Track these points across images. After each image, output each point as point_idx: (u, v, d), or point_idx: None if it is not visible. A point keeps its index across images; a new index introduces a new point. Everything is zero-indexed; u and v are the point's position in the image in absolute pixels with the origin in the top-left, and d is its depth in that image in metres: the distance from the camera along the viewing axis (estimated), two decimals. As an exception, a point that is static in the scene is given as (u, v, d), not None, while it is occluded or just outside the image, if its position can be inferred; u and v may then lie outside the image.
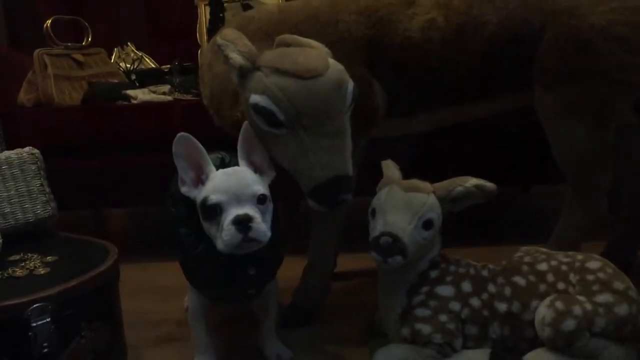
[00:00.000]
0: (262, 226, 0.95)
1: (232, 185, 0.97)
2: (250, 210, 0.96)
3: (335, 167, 0.99)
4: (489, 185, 1.02)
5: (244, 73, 1.03)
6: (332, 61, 1.04)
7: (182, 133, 1.02)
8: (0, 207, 1.30)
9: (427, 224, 1.02)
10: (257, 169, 1.03)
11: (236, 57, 1.02)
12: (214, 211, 0.97)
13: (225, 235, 0.95)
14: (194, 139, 1.03)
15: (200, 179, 1.02)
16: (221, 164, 1.06)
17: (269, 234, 0.97)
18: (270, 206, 1.00)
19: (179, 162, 1.02)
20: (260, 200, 0.97)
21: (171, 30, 2.45)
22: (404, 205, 1.01)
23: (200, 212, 1.00)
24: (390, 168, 1.11)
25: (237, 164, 1.05)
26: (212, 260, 1.03)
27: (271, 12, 1.26)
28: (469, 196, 1.03)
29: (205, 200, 0.98)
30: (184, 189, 1.03)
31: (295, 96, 0.98)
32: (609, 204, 1.29)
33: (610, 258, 1.06)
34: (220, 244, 0.96)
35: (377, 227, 1.01)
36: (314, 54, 1.04)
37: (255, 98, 1.01)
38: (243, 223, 0.94)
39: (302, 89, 0.98)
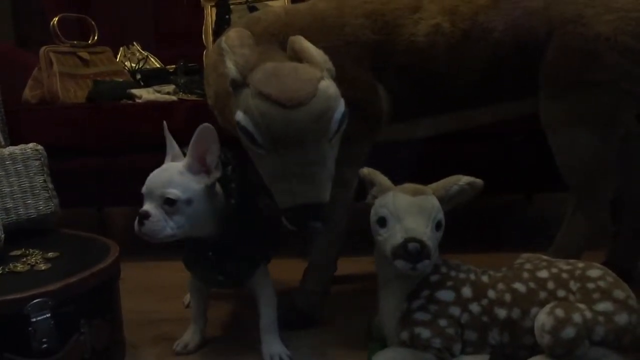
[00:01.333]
0: (156, 225, 1.04)
1: (151, 181, 1.07)
2: (152, 208, 1.05)
3: (304, 196, 1.02)
4: (478, 181, 1.06)
5: (235, 85, 1.05)
6: (323, 86, 1.03)
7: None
8: (2, 203, 1.31)
9: (438, 225, 1.03)
10: (204, 168, 1.08)
11: (230, 68, 1.04)
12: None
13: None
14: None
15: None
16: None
17: (167, 232, 1.05)
18: (187, 208, 1.06)
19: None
20: (168, 202, 1.05)
21: (177, 31, 2.46)
22: (418, 209, 1.01)
23: None
24: (378, 175, 1.10)
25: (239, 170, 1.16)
26: (185, 241, 1.15)
27: (277, 14, 1.27)
28: (461, 195, 1.05)
29: None
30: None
31: (272, 123, 1.00)
32: (611, 214, 1.29)
33: (611, 267, 1.06)
34: None
35: (398, 234, 1.00)
36: (306, 76, 1.03)
37: (239, 115, 1.03)
38: (140, 217, 1.05)
39: (281, 118, 0.99)
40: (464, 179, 1.05)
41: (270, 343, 1.19)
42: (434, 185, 1.06)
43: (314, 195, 1.03)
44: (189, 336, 1.25)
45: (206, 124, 1.06)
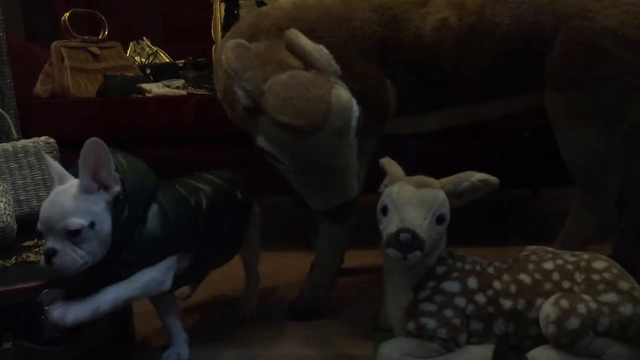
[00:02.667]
0: (65, 259, 0.98)
1: (46, 215, 0.99)
2: (55, 243, 0.98)
3: (341, 196, 1.06)
4: (493, 179, 1.04)
5: (249, 111, 1.05)
6: (335, 98, 1.03)
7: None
8: (15, 195, 1.33)
9: (440, 219, 1.03)
10: (101, 185, 1.01)
11: (241, 95, 1.03)
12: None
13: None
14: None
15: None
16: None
17: (79, 263, 0.98)
18: (93, 232, 0.99)
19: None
20: (72, 233, 0.97)
21: (186, 26, 2.48)
22: (418, 201, 1.02)
23: None
24: (392, 165, 1.11)
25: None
26: None
27: (285, 8, 1.27)
28: (474, 191, 1.04)
29: None
30: None
31: (296, 150, 1.02)
32: (617, 209, 1.30)
33: (617, 262, 1.06)
34: None
35: (393, 223, 1.01)
36: (317, 93, 1.02)
37: (261, 141, 1.05)
38: (46, 256, 0.99)
39: (301, 145, 1.01)
40: (477, 176, 1.04)
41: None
42: (445, 179, 1.06)
43: (345, 195, 1.06)
44: (180, 345, 1.19)
45: (93, 139, 0.98)
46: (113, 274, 1.06)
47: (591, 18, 1.17)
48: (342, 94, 1.04)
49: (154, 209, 1.07)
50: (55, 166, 1.04)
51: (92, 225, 0.99)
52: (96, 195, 1.00)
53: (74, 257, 0.98)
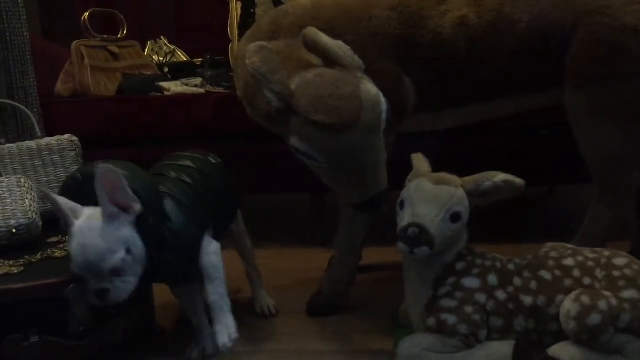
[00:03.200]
0: (120, 291, 1.00)
1: (83, 261, 0.98)
2: (104, 283, 0.99)
3: (374, 188, 1.06)
4: (517, 180, 1.02)
5: (280, 113, 1.05)
6: (364, 92, 1.04)
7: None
8: (40, 192, 1.35)
9: (455, 217, 1.03)
10: (122, 208, 1.00)
11: (271, 97, 1.03)
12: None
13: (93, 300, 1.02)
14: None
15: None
16: (85, 179, 1.05)
17: (131, 289, 1.01)
18: (132, 257, 1.00)
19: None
20: (115, 271, 0.99)
21: (203, 24, 2.49)
22: (432, 197, 1.03)
23: None
24: (420, 161, 1.12)
25: None
26: None
27: (305, 7, 1.28)
28: (497, 191, 1.03)
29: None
30: None
31: (332, 149, 1.02)
32: (636, 206, 1.29)
33: (636, 258, 1.06)
34: None
35: (405, 218, 1.03)
36: (347, 89, 1.03)
37: (295, 142, 1.05)
38: (99, 295, 1.00)
39: (338, 143, 1.02)
40: (500, 176, 1.03)
41: (221, 321, 1.11)
42: (468, 178, 1.06)
43: (378, 187, 1.07)
44: (205, 341, 1.20)
45: (103, 167, 0.97)
46: (155, 275, 1.09)
47: (611, 15, 1.17)
48: (370, 88, 1.05)
49: (168, 204, 1.08)
50: (64, 202, 1.01)
51: (128, 251, 1.00)
52: (121, 220, 1.00)
53: (125, 287, 1.00)
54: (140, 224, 1.02)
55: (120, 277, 1.00)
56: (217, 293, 1.09)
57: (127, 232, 1.00)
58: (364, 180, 1.06)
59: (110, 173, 0.98)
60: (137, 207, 1.01)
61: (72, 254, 0.99)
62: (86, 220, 1.00)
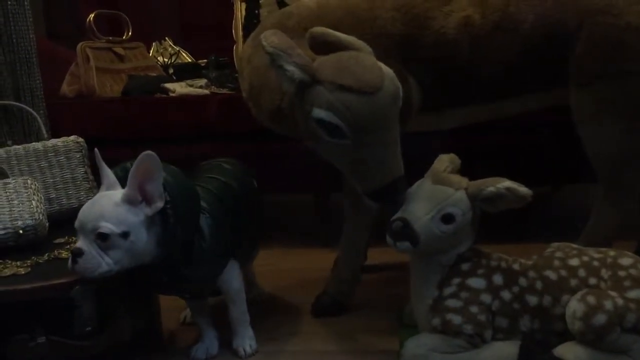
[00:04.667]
0: (90, 262, 0.99)
1: (83, 215, 1.00)
2: (84, 244, 0.99)
3: (392, 172, 1.05)
4: (522, 189, 1.00)
5: (303, 86, 1.05)
6: (384, 67, 1.06)
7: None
8: (46, 193, 1.36)
9: (447, 218, 1.03)
10: (145, 198, 1.01)
11: (294, 71, 1.03)
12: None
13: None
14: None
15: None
16: (125, 175, 1.05)
17: (102, 269, 0.99)
18: (124, 242, 1.00)
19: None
20: (100, 237, 0.98)
21: (207, 26, 2.50)
22: (427, 196, 1.04)
23: None
24: (439, 161, 1.13)
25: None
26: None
27: (310, 8, 1.28)
28: (501, 198, 1.02)
29: None
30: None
31: (360, 112, 1.01)
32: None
33: (641, 258, 1.07)
34: None
35: (398, 212, 1.05)
36: (368, 62, 1.05)
37: (319, 113, 1.04)
38: (72, 255, 1.00)
39: (366, 106, 1.01)
40: (505, 183, 1.01)
41: (240, 333, 1.21)
42: (474, 182, 1.06)
43: (400, 168, 1.06)
44: (210, 341, 1.22)
45: (148, 152, 0.99)
46: (171, 289, 1.11)
47: (616, 14, 1.17)
48: (386, 67, 1.07)
49: (205, 221, 1.09)
50: (108, 173, 1.05)
51: (125, 235, 0.99)
52: (137, 208, 1.01)
53: (98, 261, 0.99)
54: (166, 228, 1.02)
55: (102, 251, 0.99)
56: (239, 312, 1.20)
57: (136, 220, 1.00)
58: (385, 159, 1.04)
59: (150, 160, 0.99)
60: (159, 204, 1.00)
61: (81, 210, 1.02)
62: (111, 192, 1.03)
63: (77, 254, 0.99)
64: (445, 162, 1.12)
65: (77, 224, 1.01)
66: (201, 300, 1.22)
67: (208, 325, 1.22)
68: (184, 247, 1.05)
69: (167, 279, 1.08)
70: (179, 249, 1.05)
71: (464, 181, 1.06)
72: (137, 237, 1.00)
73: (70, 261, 1.00)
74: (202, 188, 1.15)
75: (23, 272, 1.10)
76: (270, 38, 1.04)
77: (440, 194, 1.04)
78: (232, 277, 1.17)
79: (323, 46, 1.11)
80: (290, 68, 1.03)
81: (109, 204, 1.00)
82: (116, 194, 1.02)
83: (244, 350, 1.19)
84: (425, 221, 1.02)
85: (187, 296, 1.22)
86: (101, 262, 0.99)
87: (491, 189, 1.02)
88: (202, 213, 1.09)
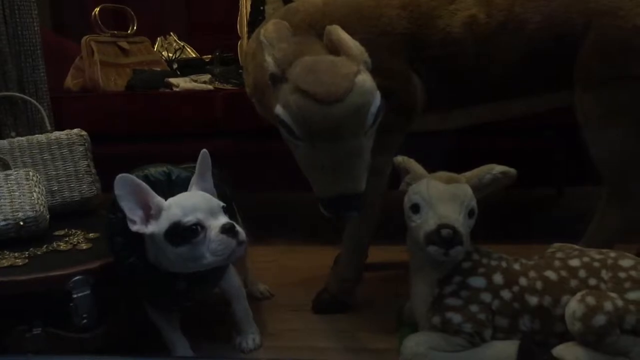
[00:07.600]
0: (242, 230, 1.01)
1: (201, 202, 1.01)
2: (227, 219, 1.01)
3: (342, 186, 1.02)
4: (511, 170, 1.06)
5: (274, 79, 1.05)
6: (359, 80, 1.02)
7: (122, 174, 1.00)
8: (48, 185, 1.36)
9: (472, 213, 1.04)
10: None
11: (270, 62, 1.04)
12: (195, 231, 0.98)
13: (217, 245, 0.99)
14: (135, 178, 1.01)
15: (149, 215, 1.02)
16: (167, 179, 1.08)
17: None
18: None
19: (125, 203, 1.00)
20: (225, 210, 1.02)
21: (212, 21, 2.50)
22: (450, 196, 1.03)
23: (171, 239, 0.99)
24: (412, 163, 1.12)
25: (182, 177, 1.09)
26: (142, 273, 1.06)
27: (316, 4, 1.28)
28: (494, 183, 1.06)
29: (178, 225, 0.98)
30: (135, 228, 1.01)
31: (310, 118, 1.00)
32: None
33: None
34: (209, 258, 0.99)
35: (430, 220, 1.02)
36: (343, 71, 1.02)
37: (279, 110, 1.04)
38: (231, 230, 1.00)
39: (318, 113, 1.00)
40: (498, 168, 1.06)
41: (246, 329, 1.23)
42: (468, 173, 1.07)
43: (351, 186, 1.03)
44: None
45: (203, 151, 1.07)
46: (174, 302, 1.13)
47: (623, 16, 1.17)
48: (366, 79, 1.04)
49: None
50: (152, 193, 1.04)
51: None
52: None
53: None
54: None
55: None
56: (242, 310, 1.22)
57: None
58: (338, 171, 1.03)
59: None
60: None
61: (183, 206, 1.01)
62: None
63: (234, 226, 1.00)
64: (415, 162, 1.13)
65: (204, 213, 1.00)
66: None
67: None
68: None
69: (186, 285, 1.07)
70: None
71: (460, 176, 1.07)
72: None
73: (230, 238, 0.99)
74: None
75: (20, 264, 1.10)
76: (268, 27, 1.06)
77: (460, 192, 1.04)
78: (231, 275, 1.19)
79: (330, 44, 1.11)
80: (268, 59, 1.04)
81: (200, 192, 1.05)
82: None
83: (248, 344, 1.21)
84: (462, 221, 1.02)
85: (188, 305, 1.19)
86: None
87: (489, 176, 1.06)
88: None
